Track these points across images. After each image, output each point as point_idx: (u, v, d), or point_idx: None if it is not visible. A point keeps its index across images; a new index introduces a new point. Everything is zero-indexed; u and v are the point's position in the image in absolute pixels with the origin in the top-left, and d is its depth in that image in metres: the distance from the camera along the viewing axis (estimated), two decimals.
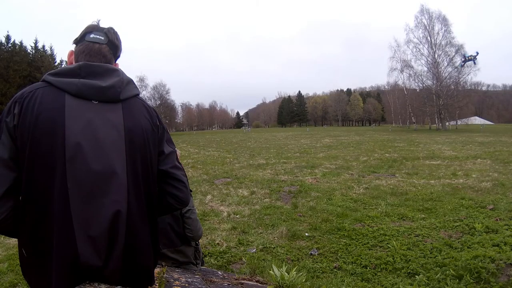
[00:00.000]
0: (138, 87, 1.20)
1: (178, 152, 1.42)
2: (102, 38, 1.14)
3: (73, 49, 1.16)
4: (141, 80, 51.72)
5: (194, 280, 1.77)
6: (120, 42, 1.20)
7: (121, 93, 1.09)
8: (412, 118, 44.98)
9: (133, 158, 1.07)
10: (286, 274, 1.93)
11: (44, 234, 0.98)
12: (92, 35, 1.13)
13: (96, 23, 1.17)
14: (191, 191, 2.14)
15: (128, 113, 1.09)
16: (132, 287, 1.10)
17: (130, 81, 1.15)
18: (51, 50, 44.82)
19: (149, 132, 1.13)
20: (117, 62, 1.21)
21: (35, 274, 1.03)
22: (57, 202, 0.98)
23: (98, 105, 1.05)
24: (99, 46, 1.13)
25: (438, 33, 37.47)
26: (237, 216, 4.90)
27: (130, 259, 1.06)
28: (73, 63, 1.12)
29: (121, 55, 1.23)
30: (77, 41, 1.16)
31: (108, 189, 1.02)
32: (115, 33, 1.18)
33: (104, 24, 1.17)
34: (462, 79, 36.98)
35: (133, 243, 1.07)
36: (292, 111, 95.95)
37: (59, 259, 0.97)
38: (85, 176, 0.99)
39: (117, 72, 1.13)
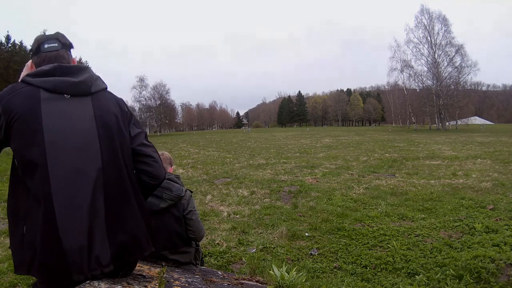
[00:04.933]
0: (105, 83, 1.35)
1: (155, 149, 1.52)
2: (56, 44, 1.27)
3: (32, 61, 1.30)
4: (141, 80, 51.67)
5: (194, 280, 1.77)
6: (69, 40, 1.34)
7: (92, 87, 1.24)
8: (412, 118, 44.97)
9: (107, 142, 1.20)
10: (286, 274, 1.93)
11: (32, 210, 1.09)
12: (46, 45, 1.26)
13: (43, 33, 1.32)
14: (191, 191, 2.15)
15: (98, 103, 1.23)
16: (127, 265, 1.22)
17: (98, 77, 1.31)
18: None
19: (120, 117, 1.28)
20: (74, 57, 1.36)
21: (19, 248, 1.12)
22: (41, 182, 1.08)
23: (70, 99, 1.18)
24: (56, 53, 1.26)
25: (438, 33, 37.51)
26: (237, 216, 4.90)
27: (117, 235, 1.15)
28: None
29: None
30: (33, 53, 1.28)
31: (85, 168, 1.13)
32: (63, 35, 1.32)
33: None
34: (462, 79, 37.03)
35: (117, 220, 1.16)
36: (292, 111, 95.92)
37: (43, 240, 1.06)
38: (63, 160, 1.11)
39: (87, 69, 1.28)
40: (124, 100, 1.40)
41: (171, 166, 2.25)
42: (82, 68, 1.27)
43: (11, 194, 1.17)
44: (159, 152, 2.23)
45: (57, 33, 1.31)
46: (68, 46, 1.32)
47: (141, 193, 1.32)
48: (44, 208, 1.06)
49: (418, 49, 38.63)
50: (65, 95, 1.18)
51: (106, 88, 1.34)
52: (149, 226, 1.30)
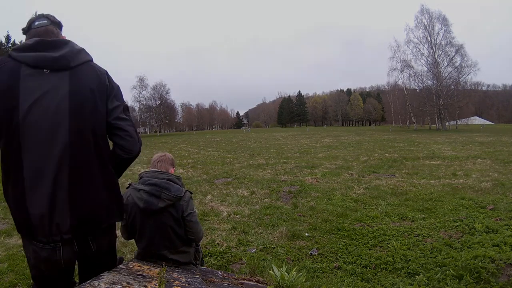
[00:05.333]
0: (90, 54, 1.41)
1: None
2: (45, 21, 1.36)
3: (25, 39, 1.37)
4: (141, 80, 51.62)
5: (194, 280, 1.77)
6: (58, 20, 1.42)
7: (72, 61, 1.30)
8: (412, 118, 44.95)
9: (78, 119, 1.26)
10: (286, 274, 1.93)
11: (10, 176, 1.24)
12: (36, 23, 1.35)
13: (34, 15, 1.39)
14: (191, 192, 2.15)
15: (76, 78, 1.29)
16: (87, 234, 1.30)
17: (80, 50, 1.36)
18: None
19: (97, 91, 1.32)
20: (63, 34, 1.44)
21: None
22: (13, 153, 1.21)
23: (49, 74, 1.26)
24: (45, 28, 1.34)
25: (438, 33, 37.51)
26: (237, 216, 4.90)
27: (77, 206, 1.24)
28: None
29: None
30: (25, 32, 1.37)
31: (53, 143, 1.22)
32: (53, 16, 1.41)
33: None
34: (462, 79, 37.02)
35: (79, 192, 1.25)
36: (292, 111, 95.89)
37: (14, 204, 1.23)
38: (34, 135, 1.21)
39: (69, 43, 1.34)
40: (108, 73, 1.43)
41: (173, 167, 2.25)
42: (64, 42, 1.33)
43: (1, 158, 1.29)
44: (161, 153, 2.25)
45: (47, 14, 1.40)
46: (57, 24, 1.40)
47: (112, 167, 1.39)
48: (14, 176, 1.22)
49: (418, 49, 38.68)
50: (45, 70, 1.25)
51: (90, 60, 1.38)
52: (113, 199, 1.38)
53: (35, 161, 1.21)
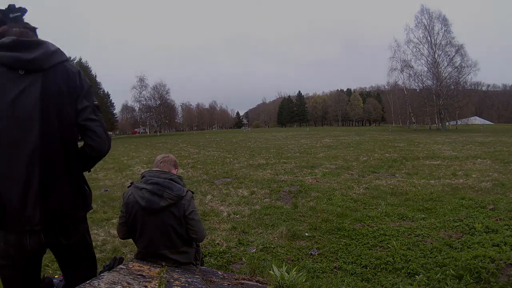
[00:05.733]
0: (65, 54, 1.46)
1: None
2: (22, 21, 1.46)
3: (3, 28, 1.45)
4: (141, 80, 51.67)
5: (194, 280, 1.77)
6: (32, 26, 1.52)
7: (45, 63, 1.36)
8: (412, 118, 44.96)
9: (47, 121, 1.33)
10: (286, 274, 1.93)
11: None
12: (11, 16, 1.45)
13: (13, 6, 1.48)
14: (193, 192, 2.15)
15: (48, 80, 1.35)
16: (54, 230, 1.39)
17: (55, 51, 1.42)
18: None
19: (67, 93, 1.39)
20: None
21: None
22: None
23: (23, 75, 1.32)
24: (20, 30, 1.41)
25: (438, 33, 37.52)
26: (237, 216, 4.90)
27: (46, 201, 1.34)
28: None
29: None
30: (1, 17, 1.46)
31: (25, 143, 1.30)
32: (27, 22, 1.50)
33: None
34: (462, 79, 37.02)
35: (48, 189, 1.34)
36: (292, 111, 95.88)
37: None
38: (7, 134, 1.28)
39: (44, 44, 1.40)
40: (81, 73, 1.49)
41: (176, 169, 2.26)
42: (39, 42, 1.40)
43: None
44: (164, 154, 2.26)
45: (25, 22, 1.49)
46: (32, 29, 1.48)
47: (80, 164, 1.50)
48: None
49: (418, 49, 38.69)
50: (20, 71, 1.32)
51: (65, 60, 1.44)
52: (79, 195, 1.50)
53: (8, 160, 1.30)
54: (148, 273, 1.69)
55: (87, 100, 1.44)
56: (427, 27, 37.86)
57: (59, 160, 1.38)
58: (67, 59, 1.45)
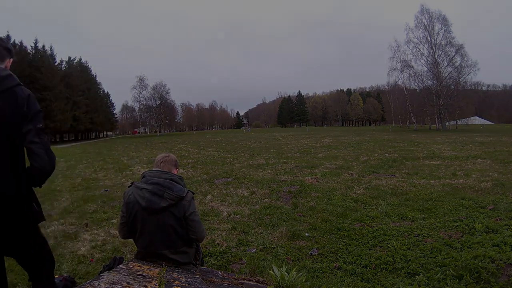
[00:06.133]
0: (16, 78, 1.57)
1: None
2: None
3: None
4: (141, 80, 51.64)
5: (194, 280, 1.77)
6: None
7: None
8: (412, 118, 44.99)
9: None
10: (286, 274, 1.93)
11: None
12: None
13: None
14: (193, 193, 2.15)
15: None
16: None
17: (6, 76, 1.52)
18: (51, 50, 44.82)
19: (13, 118, 1.49)
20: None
21: None
22: None
23: None
24: None
25: (438, 33, 37.56)
26: (237, 216, 4.90)
27: None
28: None
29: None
30: None
31: None
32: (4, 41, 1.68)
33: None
34: (462, 79, 37.03)
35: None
36: (292, 111, 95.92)
37: None
38: None
39: None
40: (31, 97, 1.58)
41: (176, 169, 2.25)
42: None
43: None
44: (165, 154, 2.26)
45: None
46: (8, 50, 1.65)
47: (31, 180, 1.61)
48: None
49: (418, 49, 38.72)
50: None
51: (15, 85, 1.53)
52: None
53: None
54: (148, 273, 1.69)
55: (31, 123, 1.53)
56: (427, 27, 37.90)
57: (6, 180, 1.52)
58: (19, 84, 1.56)
